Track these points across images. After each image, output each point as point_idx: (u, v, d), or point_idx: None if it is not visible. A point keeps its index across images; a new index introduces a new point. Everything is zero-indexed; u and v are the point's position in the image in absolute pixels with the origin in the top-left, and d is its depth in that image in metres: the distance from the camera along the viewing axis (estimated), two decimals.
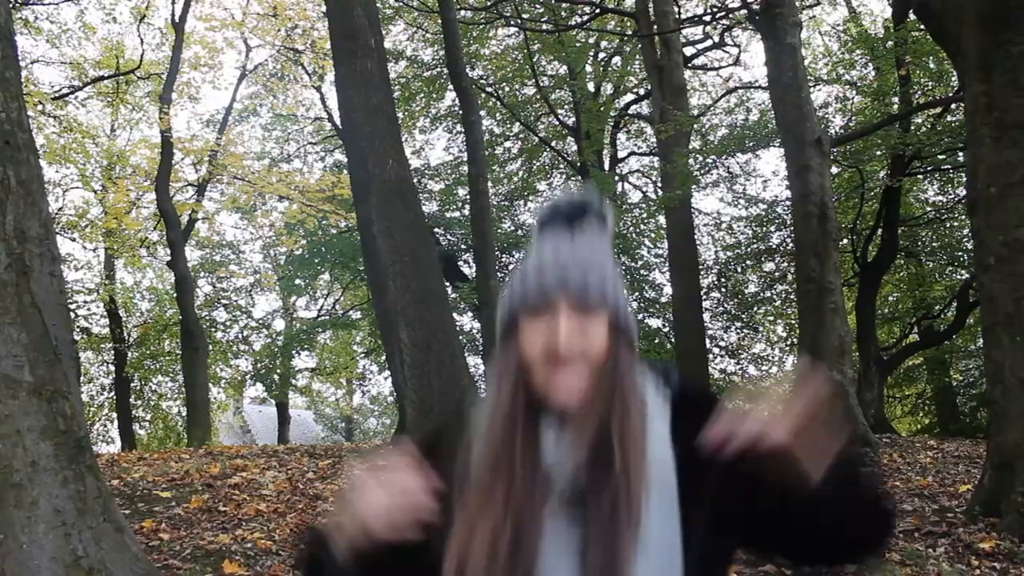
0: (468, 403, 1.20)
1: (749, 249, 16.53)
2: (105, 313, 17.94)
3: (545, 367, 1.09)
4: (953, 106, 11.72)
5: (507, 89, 17.62)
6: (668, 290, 16.08)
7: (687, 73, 15.72)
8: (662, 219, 15.53)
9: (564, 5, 15.69)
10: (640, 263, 17.32)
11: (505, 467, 1.07)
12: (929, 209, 14.96)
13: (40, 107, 14.18)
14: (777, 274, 16.57)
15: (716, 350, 17.10)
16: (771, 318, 17.71)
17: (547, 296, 1.10)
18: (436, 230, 15.68)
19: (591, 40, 17.75)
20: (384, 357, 12.51)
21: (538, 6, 15.70)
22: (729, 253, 17.24)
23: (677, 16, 14.94)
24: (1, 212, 2.89)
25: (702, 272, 16.31)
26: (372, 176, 6.55)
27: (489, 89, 17.01)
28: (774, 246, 15.96)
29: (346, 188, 12.72)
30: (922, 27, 9.76)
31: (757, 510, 1.07)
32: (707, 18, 15.87)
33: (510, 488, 1.06)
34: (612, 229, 1.20)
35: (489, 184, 11.24)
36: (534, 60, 16.16)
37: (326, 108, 18.16)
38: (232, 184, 15.98)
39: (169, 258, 13.54)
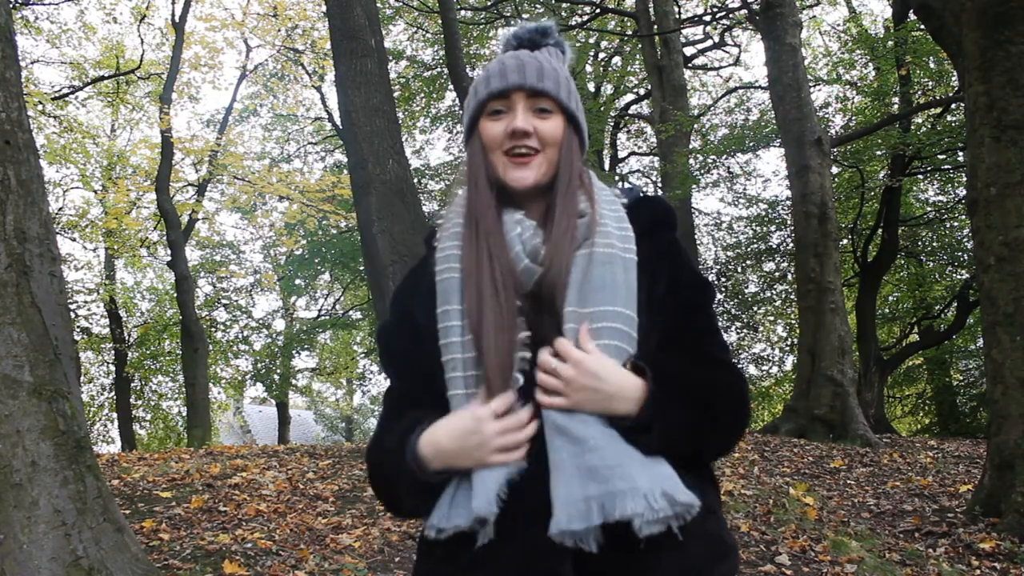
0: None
1: (749, 249, 16.53)
2: (105, 313, 17.95)
3: (505, 150, 1.19)
4: (953, 106, 11.72)
5: None
6: None
7: (687, 73, 15.73)
8: None
9: (564, 5, 15.69)
10: None
11: (482, 246, 1.17)
12: (929, 209, 14.96)
13: (40, 107, 14.19)
14: (777, 274, 16.58)
15: None
16: (771, 318, 17.71)
17: (507, 82, 1.19)
18: None
19: (591, 40, 17.75)
20: None
21: (538, 6, 15.70)
22: (729, 253, 17.25)
23: (677, 16, 14.95)
24: (1, 212, 2.89)
25: (702, 272, 16.26)
26: (372, 176, 6.55)
27: None
28: (774, 246, 15.96)
29: (346, 188, 12.72)
30: (922, 27, 9.76)
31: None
32: (707, 18, 15.88)
33: (492, 267, 1.15)
34: (571, 61, 1.31)
35: None
36: None
37: (326, 108, 18.18)
38: (232, 184, 15.98)
39: (169, 258, 13.53)
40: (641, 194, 1.28)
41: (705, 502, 1.11)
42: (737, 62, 17.49)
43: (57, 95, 15.12)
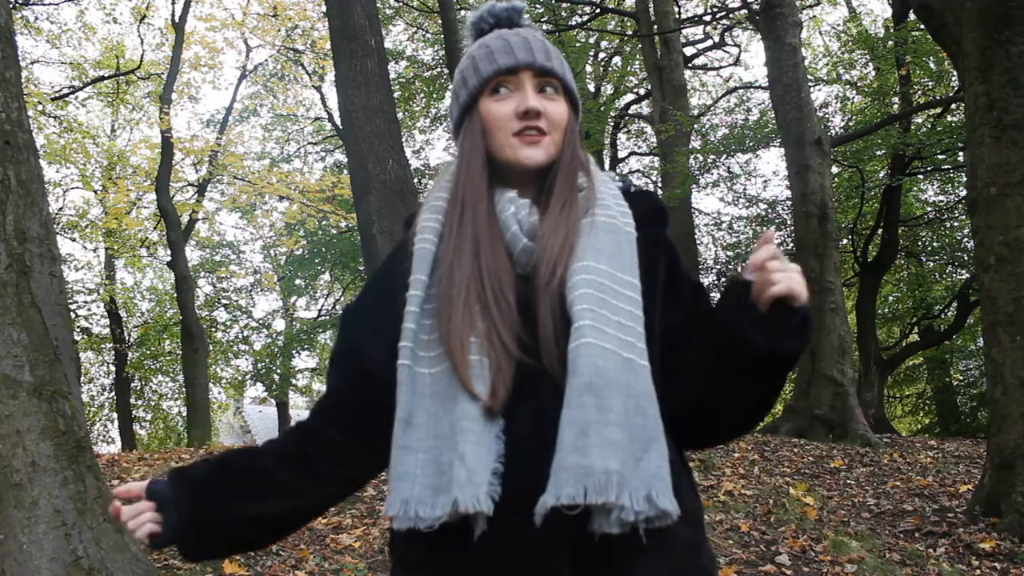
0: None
1: (749, 249, 16.51)
2: (105, 313, 17.94)
3: (512, 129, 1.12)
4: (953, 106, 11.72)
5: None
6: None
7: (687, 73, 15.72)
8: None
9: (564, 5, 15.69)
10: None
11: (471, 226, 1.11)
12: (929, 209, 14.96)
13: (40, 107, 14.18)
14: None
15: None
16: None
17: (515, 59, 1.13)
18: None
19: (591, 40, 17.75)
20: None
21: (538, 6, 15.70)
22: (729, 253, 17.25)
23: (677, 16, 14.94)
24: (1, 212, 2.89)
25: (702, 272, 16.30)
26: (372, 176, 6.55)
27: None
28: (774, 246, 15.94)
29: (346, 188, 12.72)
30: (922, 27, 9.76)
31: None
32: (707, 18, 15.88)
33: (477, 248, 1.09)
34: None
35: None
36: None
37: (326, 108, 18.18)
38: (232, 184, 15.97)
39: (169, 258, 13.54)
40: (633, 188, 1.24)
41: (692, 513, 1.06)
42: (737, 62, 17.49)
43: (57, 95, 15.11)
